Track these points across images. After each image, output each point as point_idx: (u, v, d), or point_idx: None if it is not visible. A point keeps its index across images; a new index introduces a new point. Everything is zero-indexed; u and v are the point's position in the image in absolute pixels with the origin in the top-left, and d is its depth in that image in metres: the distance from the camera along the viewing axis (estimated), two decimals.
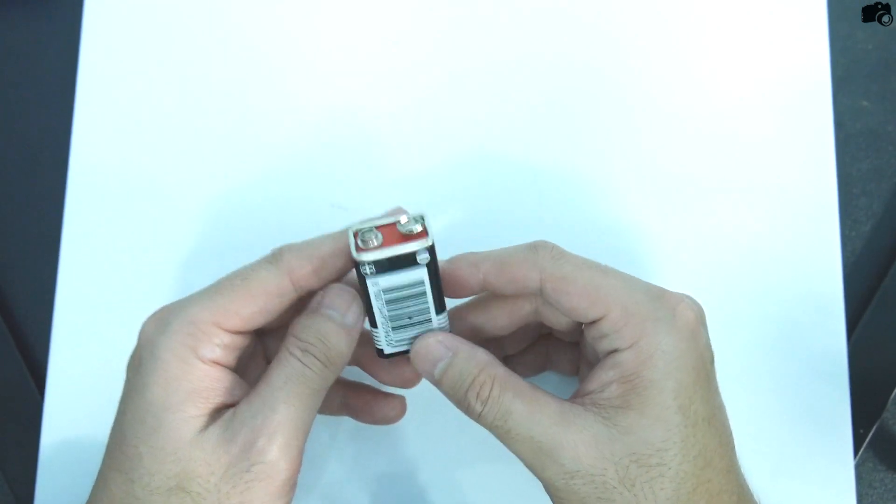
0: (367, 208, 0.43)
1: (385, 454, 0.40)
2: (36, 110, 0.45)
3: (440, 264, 0.31)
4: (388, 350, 0.33)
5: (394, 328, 0.32)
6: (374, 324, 0.32)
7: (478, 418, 0.30)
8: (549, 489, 0.30)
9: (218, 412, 0.30)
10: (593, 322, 0.30)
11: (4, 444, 0.41)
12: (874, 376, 0.42)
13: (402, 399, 0.37)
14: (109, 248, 0.42)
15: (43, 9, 0.46)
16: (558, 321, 0.33)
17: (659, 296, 0.30)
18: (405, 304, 0.31)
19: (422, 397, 0.40)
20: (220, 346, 0.30)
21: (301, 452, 0.30)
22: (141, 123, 0.44)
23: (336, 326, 0.31)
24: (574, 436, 0.29)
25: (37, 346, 0.42)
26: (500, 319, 0.34)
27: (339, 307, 0.31)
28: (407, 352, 0.33)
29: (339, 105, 0.44)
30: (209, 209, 0.43)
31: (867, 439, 0.41)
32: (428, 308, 0.31)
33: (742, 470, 0.31)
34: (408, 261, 0.29)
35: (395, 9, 0.45)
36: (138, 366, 0.31)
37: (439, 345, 0.31)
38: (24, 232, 0.44)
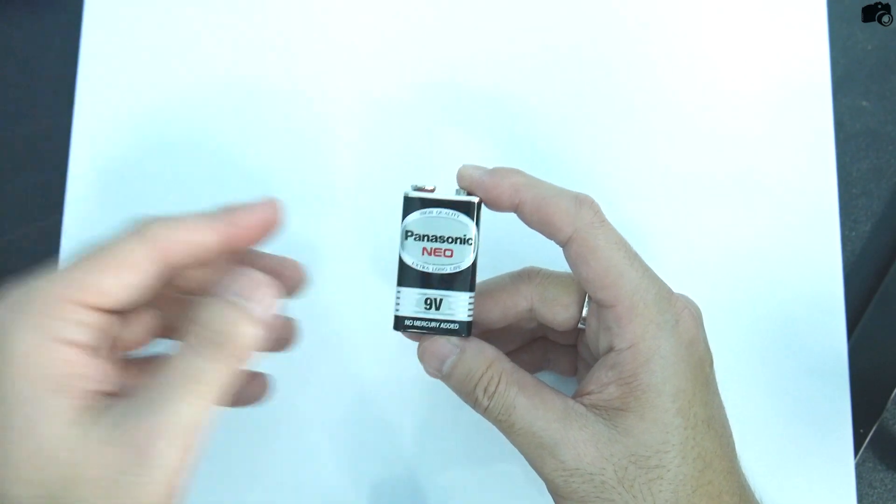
0: (367, 208, 0.43)
1: (384, 454, 0.40)
2: (36, 110, 0.45)
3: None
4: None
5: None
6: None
7: (484, 412, 0.31)
8: (551, 488, 0.30)
9: (96, 404, 0.26)
10: (599, 307, 0.31)
11: None
12: (874, 376, 0.42)
13: (265, 376, 0.35)
14: None
15: (43, 9, 0.46)
16: (554, 320, 0.33)
17: (667, 298, 0.30)
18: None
19: (421, 397, 0.40)
20: (80, 325, 0.26)
21: (195, 452, 0.27)
22: (141, 123, 0.44)
23: (243, 316, 0.28)
24: (575, 433, 0.29)
25: None
26: (493, 312, 0.33)
27: (248, 294, 0.28)
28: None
29: (339, 104, 0.44)
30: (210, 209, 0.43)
31: (867, 439, 0.41)
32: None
33: (743, 470, 0.31)
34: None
35: (396, 8, 0.45)
36: None
37: (447, 342, 0.31)
38: (24, 232, 0.43)
